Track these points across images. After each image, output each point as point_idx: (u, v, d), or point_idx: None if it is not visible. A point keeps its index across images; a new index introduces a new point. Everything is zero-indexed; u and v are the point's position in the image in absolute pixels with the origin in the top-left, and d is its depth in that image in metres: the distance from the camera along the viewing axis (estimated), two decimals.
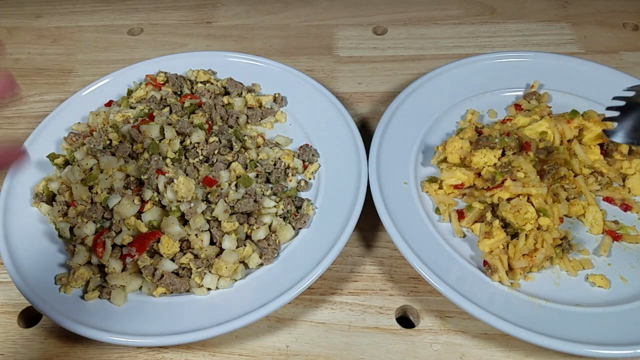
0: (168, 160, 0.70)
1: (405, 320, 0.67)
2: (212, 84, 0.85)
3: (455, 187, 0.72)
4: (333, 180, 0.73)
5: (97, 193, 0.68)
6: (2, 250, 0.66)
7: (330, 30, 1.04)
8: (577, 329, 0.58)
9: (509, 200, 0.66)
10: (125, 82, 0.87)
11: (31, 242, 0.67)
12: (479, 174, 0.71)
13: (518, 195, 0.66)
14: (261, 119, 0.83)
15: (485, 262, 0.64)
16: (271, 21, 1.07)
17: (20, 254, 0.66)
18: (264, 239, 0.68)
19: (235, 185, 0.71)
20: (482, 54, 0.88)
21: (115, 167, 0.70)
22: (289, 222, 0.70)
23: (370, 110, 0.89)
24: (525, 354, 0.62)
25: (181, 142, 0.73)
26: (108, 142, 0.74)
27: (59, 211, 0.69)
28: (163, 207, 0.66)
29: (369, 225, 0.74)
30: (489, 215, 0.67)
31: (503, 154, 0.71)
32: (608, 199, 0.72)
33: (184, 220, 0.65)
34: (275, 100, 0.84)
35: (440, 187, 0.72)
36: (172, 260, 0.64)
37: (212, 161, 0.73)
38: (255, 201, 0.69)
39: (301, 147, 0.78)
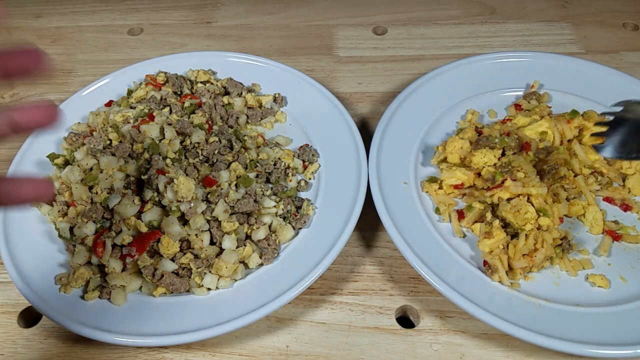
0: (168, 160, 0.70)
1: (405, 320, 0.67)
2: (212, 84, 0.85)
3: (455, 187, 0.72)
4: (333, 180, 0.73)
5: (97, 193, 0.68)
6: (2, 250, 0.65)
7: (330, 30, 1.04)
8: (577, 329, 0.58)
9: (509, 200, 0.66)
10: (125, 82, 0.87)
11: (31, 242, 0.67)
12: (479, 174, 0.71)
13: (518, 195, 0.66)
14: (261, 119, 0.83)
15: (485, 262, 0.64)
16: (271, 21, 1.07)
17: (20, 254, 0.66)
18: (264, 239, 0.67)
19: (236, 185, 0.71)
20: (482, 54, 0.87)
21: (115, 167, 0.70)
22: (289, 222, 0.70)
23: (370, 110, 0.89)
24: (525, 354, 0.62)
25: (181, 142, 0.73)
26: (108, 142, 0.74)
27: (59, 211, 0.69)
28: (163, 207, 0.66)
29: (369, 225, 0.74)
30: (489, 215, 0.67)
31: (503, 154, 0.71)
32: (608, 199, 0.72)
33: (184, 220, 0.65)
34: (275, 100, 0.84)
35: (440, 187, 0.72)
36: (172, 260, 0.64)
37: (212, 161, 0.73)
38: (255, 201, 0.69)
39: (301, 147, 0.78)
